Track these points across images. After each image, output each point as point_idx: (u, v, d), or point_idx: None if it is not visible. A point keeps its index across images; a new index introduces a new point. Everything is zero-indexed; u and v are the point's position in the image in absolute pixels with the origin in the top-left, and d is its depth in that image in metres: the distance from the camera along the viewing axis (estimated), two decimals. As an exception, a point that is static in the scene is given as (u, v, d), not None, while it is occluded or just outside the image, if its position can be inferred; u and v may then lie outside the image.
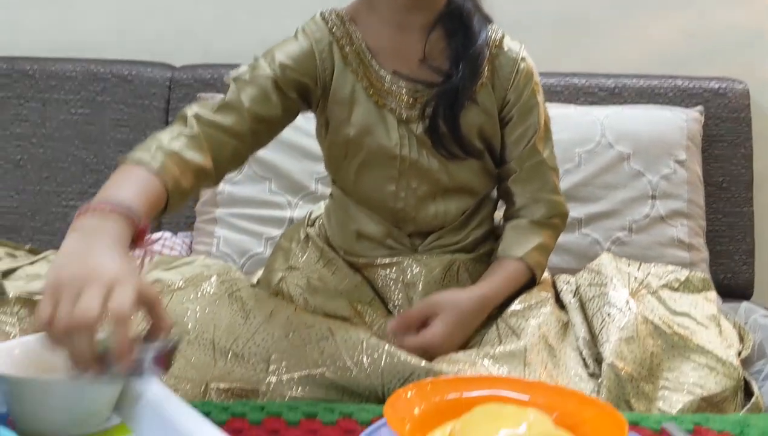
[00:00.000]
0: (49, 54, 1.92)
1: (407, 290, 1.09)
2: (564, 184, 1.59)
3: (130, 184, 0.83)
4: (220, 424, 0.77)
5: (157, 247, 1.66)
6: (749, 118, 1.79)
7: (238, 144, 1.00)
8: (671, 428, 0.78)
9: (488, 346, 0.98)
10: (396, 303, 1.10)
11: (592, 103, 1.78)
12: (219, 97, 1.02)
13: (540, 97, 1.15)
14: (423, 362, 0.91)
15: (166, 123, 1.84)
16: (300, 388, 0.93)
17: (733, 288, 1.71)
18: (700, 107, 1.75)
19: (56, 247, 1.83)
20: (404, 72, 1.08)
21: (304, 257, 1.18)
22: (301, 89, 1.06)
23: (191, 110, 0.98)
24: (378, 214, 1.13)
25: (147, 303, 0.70)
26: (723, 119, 1.79)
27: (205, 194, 1.69)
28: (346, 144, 1.10)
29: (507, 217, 1.17)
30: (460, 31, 1.08)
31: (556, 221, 1.16)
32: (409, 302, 1.08)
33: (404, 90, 1.08)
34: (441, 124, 1.07)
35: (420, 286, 1.08)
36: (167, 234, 1.71)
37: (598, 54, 1.96)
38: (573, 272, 1.22)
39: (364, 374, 0.91)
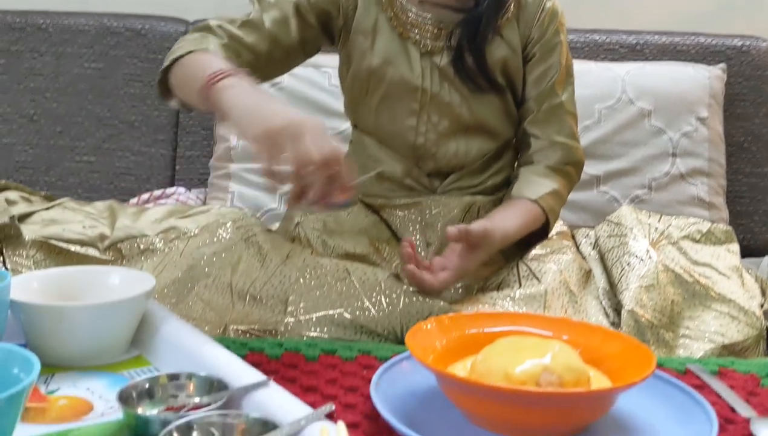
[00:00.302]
0: (62, 7, 1.90)
1: (425, 231, 1.08)
2: (583, 141, 1.56)
3: (220, 59, 0.91)
4: (275, 358, 0.76)
5: (171, 201, 1.65)
6: (773, 77, 1.75)
7: (254, 61, 1.01)
8: (696, 369, 0.76)
9: (508, 288, 0.97)
10: (414, 242, 1.08)
11: (613, 59, 1.75)
12: (239, 15, 1.03)
13: (563, 38, 1.14)
14: (442, 302, 0.90)
15: (180, 78, 1.83)
16: (318, 328, 0.92)
17: (752, 249, 1.68)
18: (722, 65, 1.71)
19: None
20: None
21: None
22: (322, 17, 1.06)
23: (214, 22, 1.01)
24: (398, 153, 1.12)
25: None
26: (746, 77, 1.75)
27: (219, 149, 1.68)
28: (368, 77, 1.10)
29: (522, 163, 1.16)
30: None
31: (570, 169, 1.14)
32: (427, 243, 1.07)
33: (429, 21, 1.08)
34: (466, 53, 1.07)
35: (438, 227, 1.07)
36: (181, 190, 1.70)
37: (619, 10, 1.92)
38: (590, 229, 1.21)
39: (383, 314, 0.90)
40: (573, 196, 1.55)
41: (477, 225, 0.95)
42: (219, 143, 1.69)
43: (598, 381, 0.64)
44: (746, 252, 1.65)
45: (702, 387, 0.73)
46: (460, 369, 0.67)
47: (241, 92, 0.83)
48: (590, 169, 1.60)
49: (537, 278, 0.98)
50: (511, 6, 1.10)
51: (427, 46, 1.09)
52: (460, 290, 1.04)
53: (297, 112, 0.80)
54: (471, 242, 0.95)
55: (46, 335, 0.70)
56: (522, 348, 0.63)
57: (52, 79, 1.82)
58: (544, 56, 1.12)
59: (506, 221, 1.04)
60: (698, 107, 1.62)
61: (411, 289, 0.91)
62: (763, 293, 1.15)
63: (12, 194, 1.16)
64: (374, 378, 0.66)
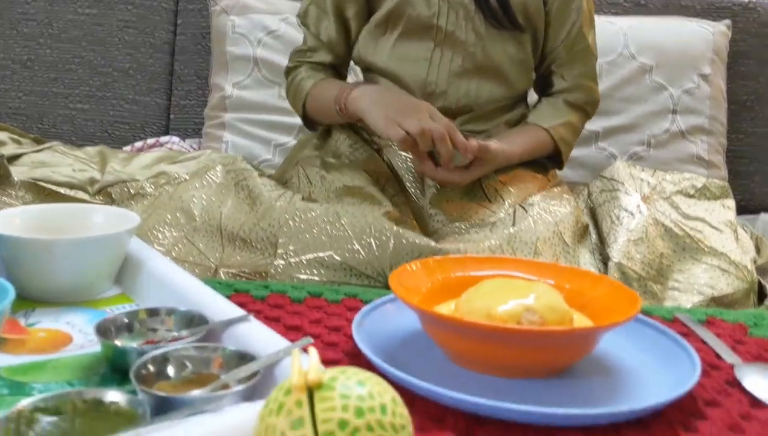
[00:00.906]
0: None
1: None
2: (583, 96, 1.55)
3: (332, 83, 1.17)
4: (260, 299, 0.76)
5: (164, 150, 1.64)
6: (780, 35, 1.72)
7: (340, 66, 1.23)
8: (684, 317, 0.76)
9: (501, 227, 0.96)
10: (412, 184, 1.08)
11: (616, 13, 1.72)
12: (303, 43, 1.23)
13: None
14: (431, 243, 0.89)
15: (174, 25, 1.80)
16: (308, 270, 0.91)
17: (749, 209, 1.67)
18: (727, 21, 1.67)
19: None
20: None
21: (325, 143, 1.17)
22: None
23: (292, 63, 1.24)
24: (408, 89, 1.13)
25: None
26: (752, 35, 1.71)
27: (214, 98, 1.66)
28: (387, 18, 1.13)
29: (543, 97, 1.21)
30: None
31: (588, 108, 1.21)
32: (423, 185, 1.06)
33: None
34: None
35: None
36: (175, 139, 1.68)
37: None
38: (587, 186, 1.20)
39: (372, 256, 0.89)
40: (572, 152, 1.56)
41: (494, 143, 1.03)
42: (214, 92, 1.67)
43: (582, 323, 0.63)
44: (744, 212, 1.64)
45: (688, 335, 0.72)
46: (444, 310, 0.66)
47: (364, 95, 1.05)
48: (589, 124, 1.57)
49: (532, 221, 0.97)
50: None
51: None
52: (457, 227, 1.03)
53: (410, 96, 1.04)
54: (479, 157, 1.01)
55: (27, 270, 0.69)
56: (506, 289, 0.62)
57: (45, 25, 1.79)
58: (567, 2, 1.14)
59: (513, 143, 1.10)
60: (701, 64, 1.59)
61: (400, 230, 0.90)
62: (758, 250, 1.14)
63: (1, 135, 1.14)
64: (357, 318, 0.65)
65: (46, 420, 0.47)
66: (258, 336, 0.57)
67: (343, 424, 0.39)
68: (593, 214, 1.09)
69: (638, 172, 1.13)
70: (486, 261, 0.73)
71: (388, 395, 0.41)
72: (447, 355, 0.62)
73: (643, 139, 1.57)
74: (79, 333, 0.64)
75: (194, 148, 1.69)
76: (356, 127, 1.16)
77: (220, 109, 1.64)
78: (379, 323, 0.66)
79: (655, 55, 1.58)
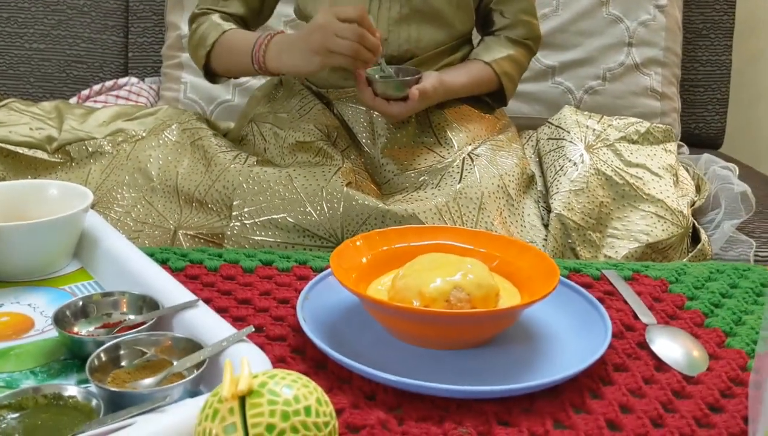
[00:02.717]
0: None
1: (374, 123, 1.10)
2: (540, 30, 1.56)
3: (243, 33, 1.14)
4: (178, 270, 0.80)
5: (123, 92, 1.63)
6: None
7: (249, 20, 1.22)
8: (610, 275, 0.81)
9: (448, 181, 1.00)
10: (362, 133, 1.11)
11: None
12: None
13: None
14: (380, 204, 0.94)
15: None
16: (262, 232, 0.95)
17: (703, 138, 1.72)
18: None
19: (24, 94, 1.79)
20: None
21: (276, 98, 1.18)
22: None
23: (199, 9, 1.19)
24: None
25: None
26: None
27: (170, 37, 1.64)
28: None
29: (485, 36, 1.23)
30: None
31: (530, 43, 1.23)
32: (376, 134, 1.09)
33: None
34: None
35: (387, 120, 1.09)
36: (134, 80, 1.68)
37: None
38: (543, 121, 1.23)
39: (324, 218, 0.94)
40: (528, 87, 1.58)
41: (429, 82, 1.06)
42: (170, 31, 1.65)
43: (508, 294, 0.68)
44: (697, 141, 1.70)
45: (612, 293, 0.78)
46: (385, 281, 0.71)
47: (276, 52, 1.05)
48: (546, 59, 1.60)
49: (478, 176, 1.01)
50: None
51: None
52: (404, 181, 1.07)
53: (317, 16, 0.99)
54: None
55: (-13, 253, 0.73)
56: (438, 266, 0.67)
57: (-7, -39, 1.74)
58: None
59: (456, 77, 1.13)
60: (658, -6, 1.60)
61: (350, 193, 0.94)
62: (698, 189, 1.20)
63: (-45, 96, 1.15)
64: (302, 293, 0.70)
65: (10, 417, 0.52)
66: (205, 322, 0.62)
67: (270, 428, 0.44)
68: (540, 161, 1.13)
69: (584, 120, 1.16)
70: (425, 231, 0.77)
71: (313, 396, 0.46)
72: (385, 329, 0.67)
73: (599, 73, 1.59)
74: (40, 316, 0.68)
75: (153, 89, 1.69)
76: (305, 82, 1.17)
77: (178, 49, 1.63)
78: (324, 296, 0.71)
79: (612, -14, 1.59)
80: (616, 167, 1.07)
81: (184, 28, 1.61)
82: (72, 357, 0.62)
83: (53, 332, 0.64)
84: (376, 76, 1.04)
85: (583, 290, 0.72)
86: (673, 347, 0.67)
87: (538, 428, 0.56)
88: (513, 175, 1.04)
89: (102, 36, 1.77)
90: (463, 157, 1.04)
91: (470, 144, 1.08)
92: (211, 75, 1.21)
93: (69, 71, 1.77)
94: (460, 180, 1.00)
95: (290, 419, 0.44)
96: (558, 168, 1.07)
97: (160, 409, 0.51)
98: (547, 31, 1.56)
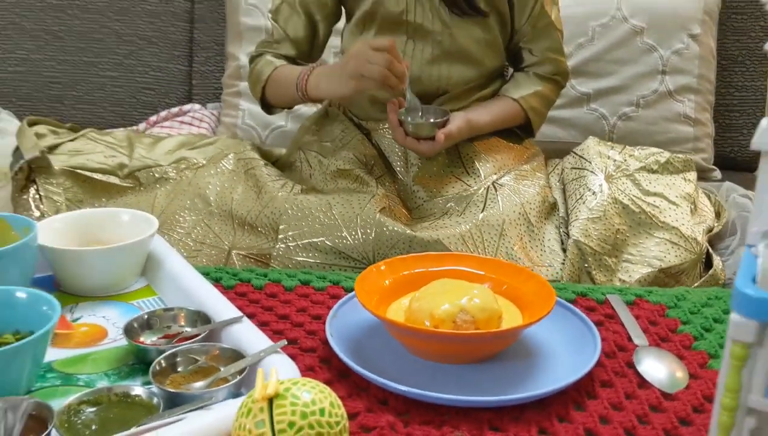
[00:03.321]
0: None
1: (407, 153, 1.22)
2: (575, 59, 1.64)
3: (291, 69, 1.27)
4: (229, 288, 0.92)
5: (186, 118, 1.78)
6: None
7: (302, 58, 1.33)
8: (613, 299, 0.90)
9: (473, 210, 1.10)
10: (397, 161, 1.22)
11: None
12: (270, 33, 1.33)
13: None
14: (408, 230, 1.04)
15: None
16: (304, 253, 1.07)
17: (738, 162, 1.76)
18: (726, -20, 1.72)
19: (98, 118, 1.95)
20: None
21: (322, 128, 1.31)
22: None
23: (257, 51, 1.33)
24: None
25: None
26: (752, -8, 1.76)
27: (230, 67, 1.78)
28: (364, 18, 1.25)
29: (515, 72, 1.33)
30: None
31: (558, 78, 1.32)
32: (409, 164, 1.21)
33: None
34: None
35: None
36: (196, 106, 1.83)
37: None
38: (577, 145, 1.31)
39: (358, 242, 1.05)
40: (563, 113, 1.66)
41: (455, 124, 1.17)
42: (230, 61, 1.79)
43: (511, 315, 0.78)
44: (732, 165, 1.74)
45: (612, 316, 0.86)
46: (404, 302, 0.81)
47: (316, 81, 1.19)
48: (581, 87, 1.68)
49: (500, 205, 1.11)
50: None
51: None
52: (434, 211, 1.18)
53: (354, 48, 1.13)
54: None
55: (68, 272, 0.86)
56: (448, 290, 0.76)
57: (72, -4, 1.92)
58: None
59: (482, 115, 1.23)
60: (691, 24, 1.66)
61: (381, 220, 1.05)
62: (718, 216, 1.26)
63: (41, 128, 1.30)
64: (331, 312, 0.81)
65: (89, 410, 0.64)
66: (247, 336, 0.73)
67: (291, 424, 0.55)
68: (564, 189, 1.22)
69: (607, 150, 1.24)
70: (443, 258, 0.87)
71: (327, 400, 0.57)
72: (403, 346, 0.77)
73: (632, 100, 1.66)
74: (113, 327, 0.81)
75: (215, 115, 1.83)
76: (348, 114, 1.29)
77: (236, 78, 1.77)
78: (349, 314, 0.82)
79: (646, 16, 1.65)
80: (634, 196, 1.15)
81: (243, 59, 1.75)
82: (138, 363, 0.74)
83: (123, 341, 0.77)
84: (408, 118, 1.15)
85: (580, 312, 0.81)
86: (658, 367, 0.75)
87: (524, 434, 0.65)
88: (534, 204, 1.13)
89: (168, 65, 1.93)
90: (488, 187, 1.14)
91: (496, 173, 1.18)
92: (267, 107, 1.34)
93: (139, 97, 1.94)
94: (484, 209, 1.10)
95: (308, 418, 0.55)
96: (578, 196, 1.15)
97: (208, 407, 0.62)
98: (582, 60, 1.64)
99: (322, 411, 0.56)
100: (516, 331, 0.73)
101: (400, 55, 1.11)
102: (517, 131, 1.31)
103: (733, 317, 0.53)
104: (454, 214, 1.11)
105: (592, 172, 1.18)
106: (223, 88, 1.81)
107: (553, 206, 1.18)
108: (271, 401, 0.56)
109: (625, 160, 1.21)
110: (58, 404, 0.64)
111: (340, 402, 0.58)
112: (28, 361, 0.67)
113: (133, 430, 0.59)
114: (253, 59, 1.33)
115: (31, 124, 1.29)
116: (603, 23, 1.66)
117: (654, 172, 1.21)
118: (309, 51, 1.33)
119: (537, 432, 0.65)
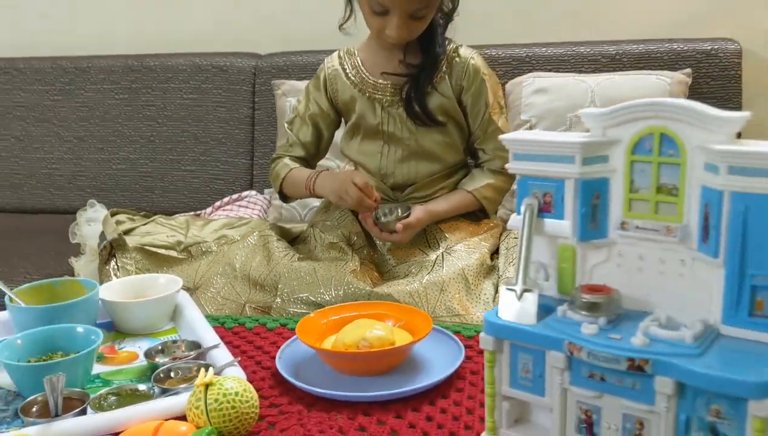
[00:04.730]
0: (165, 50, 2.48)
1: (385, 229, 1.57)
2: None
3: (303, 171, 1.66)
4: (229, 329, 1.29)
5: (243, 202, 2.21)
6: (739, 76, 1.99)
7: (312, 159, 1.73)
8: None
9: (423, 272, 1.43)
10: (376, 239, 1.58)
11: (595, 70, 2.06)
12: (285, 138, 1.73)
13: (489, 84, 1.59)
14: (367, 287, 1.38)
15: (253, 103, 2.37)
16: (296, 306, 1.43)
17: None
18: (688, 69, 1.98)
19: (180, 203, 2.40)
20: (389, 71, 1.57)
21: (328, 211, 1.69)
22: (326, 109, 1.67)
23: (276, 154, 1.72)
24: (370, 173, 1.64)
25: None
26: (713, 78, 2.01)
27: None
28: (352, 127, 1.63)
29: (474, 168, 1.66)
30: (428, 43, 1.54)
31: (507, 171, 1.62)
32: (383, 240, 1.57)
33: (389, 85, 1.57)
34: (413, 102, 1.55)
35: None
36: (252, 192, 2.26)
37: (612, 19, 2.20)
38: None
39: (332, 297, 1.40)
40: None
41: (413, 217, 1.50)
42: (278, 156, 2.22)
43: (404, 341, 1.10)
44: None
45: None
46: (333, 338, 1.14)
47: (319, 185, 1.57)
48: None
49: (446, 268, 1.43)
50: (443, 67, 1.55)
51: (386, 102, 1.57)
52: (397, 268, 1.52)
53: (344, 174, 1.52)
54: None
55: (119, 317, 1.26)
56: (359, 327, 1.10)
57: (161, 109, 2.42)
58: (476, 100, 1.58)
59: (440, 206, 1.57)
60: (656, 111, 1.92)
61: (349, 279, 1.40)
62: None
63: (121, 216, 1.75)
64: (284, 344, 1.16)
65: (112, 398, 1.02)
66: (221, 356, 1.09)
67: (216, 400, 0.90)
68: (506, 254, 1.52)
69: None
70: (366, 305, 1.21)
71: (242, 387, 0.92)
72: (330, 366, 1.11)
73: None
74: (142, 353, 1.19)
75: (266, 199, 2.25)
76: None
77: (283, 170, 2.19)
78: (296, 348, 1.16)
79: (616, 106, 1.93)
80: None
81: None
82: (152, 373, 1.12)
83: (145, 362, 1.15)
84: (381, 215, 1.51)
85: (453, 336, 1.13)
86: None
87: (384, 417, 0.97)
88: (473, 267, 1.45)
89: (234, 159, 2.38)
90: (438, 255, 1.47)
91: (451, 245, 1.51)
92: (285, 198, 1.74)
93: (211, 186, 2.39)
94: (431, 271, 1.43)
95: (227, 396, 0.90)
96: (512, 259, 1.46)
97: (178, 394, 0.98)
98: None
99: (236, 393, 0.91)
100: (393, 350, 1.06)
101: (372, 192, 1.48)
102: (478, 214, 1.63)
103: (482, 334, 0.84)
104: (410, 275, 1.44)
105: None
106: (273, 178, 2.23)
107: (491, 268, 1.48)
108: (207, 387, 0.91)
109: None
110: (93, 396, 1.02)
111: (253, 390, 0.93)
112: (80, 370, 1.06)
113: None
114: (273, 160, 1.73)
115: (113, 214, 1.74)
116: (578, 114, 1.95)
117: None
118: (315, 152, 1.72)
119: (393, 417, 0.97)
